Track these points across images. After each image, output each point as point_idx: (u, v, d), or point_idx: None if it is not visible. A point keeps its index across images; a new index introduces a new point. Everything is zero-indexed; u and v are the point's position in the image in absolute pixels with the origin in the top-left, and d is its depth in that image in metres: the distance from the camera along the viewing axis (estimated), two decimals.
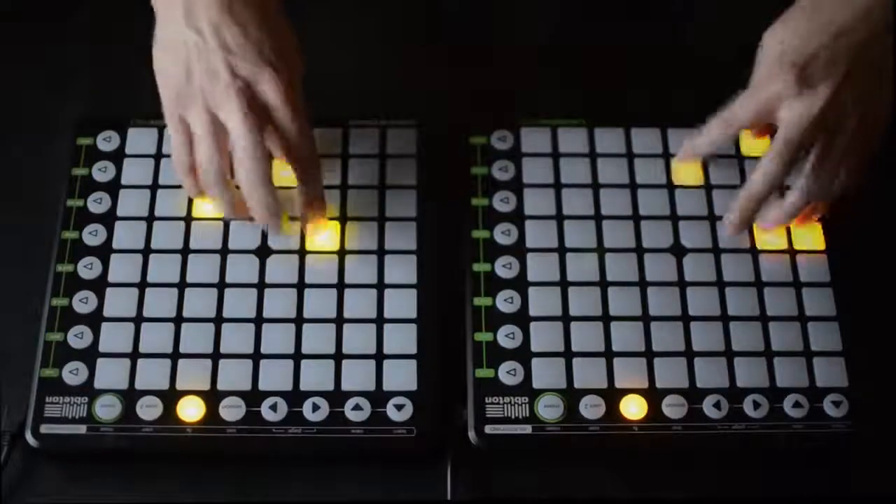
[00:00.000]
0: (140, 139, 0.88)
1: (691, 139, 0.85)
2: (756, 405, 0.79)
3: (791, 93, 0.78)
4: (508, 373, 0.80)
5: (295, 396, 0.79)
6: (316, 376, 0.80)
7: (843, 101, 0.78)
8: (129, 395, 0.79)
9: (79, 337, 0.81)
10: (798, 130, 0.79)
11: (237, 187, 0.79)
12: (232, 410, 0.78)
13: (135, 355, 0.80)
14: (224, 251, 0.84)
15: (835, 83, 0.78)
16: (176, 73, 0.77)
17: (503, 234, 0.85)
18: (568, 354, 0.81)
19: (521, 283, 0.83)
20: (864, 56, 0.79)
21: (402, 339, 0.81)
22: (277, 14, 0.79)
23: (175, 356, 0.80)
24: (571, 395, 0.79)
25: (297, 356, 0.80)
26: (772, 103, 0.79)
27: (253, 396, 0.79)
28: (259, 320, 0.82)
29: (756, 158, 0.86)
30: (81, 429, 0.78)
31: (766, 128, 0.86)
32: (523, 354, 0.81)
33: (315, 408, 0.79)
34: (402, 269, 0.84)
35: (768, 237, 0.85)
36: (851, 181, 0.81)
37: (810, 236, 0.85)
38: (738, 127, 0.82)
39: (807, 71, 0.78)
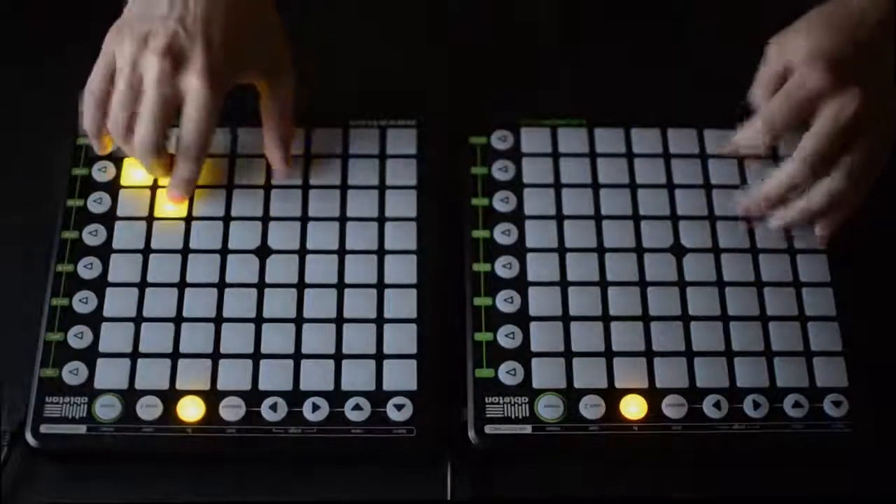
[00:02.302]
0: None
1: (729, 144, 0.84)
2: (756, 405, 0.79)
3: (829, 90, 0.78)
4: (508, 373, 0.80)
5: (295, 396, 0.79)
6: (316, 376, 0.80)
7: (871, 102, 0.78)
8: (129, 395, 0.79)
9: (79, 337, 0.81)
10: (833, 129, 0.78)
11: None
12: (232, 410, 0.78)
13: (135, 355, 0.80)
14: (224, 251, 0.84)
15: (863, 85, 0.78)
16: (131, 22, 0.80)
17: (503, 234, 0.85)
18: (568, 354, 0.81)
19: (521, 283, 0.83)
20: (880, 63, 0.80)
21: (402, 339, 0.81)
22: (259, 19, 0.82)
23: (175, 356, 0.80)
24: (571, 395, 0.79)
25: (297, 356, 0.80)
26: (810, 100, 0.79)
27: (253, 396, 0.79)
28: (259, 320, 0.82)
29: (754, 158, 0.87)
30: (81, 429, 0.78)
31: None
32: (523, 354, 0.81)
33: (315, 408, 0.79)
34: (402, 269, 0.84)
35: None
36: (866, 183, 0.81)
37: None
38: (782, 128, 0.81)
39: (840, 71, 0.78)
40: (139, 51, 0.79)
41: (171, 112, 0.79)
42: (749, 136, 0.82)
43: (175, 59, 0.78)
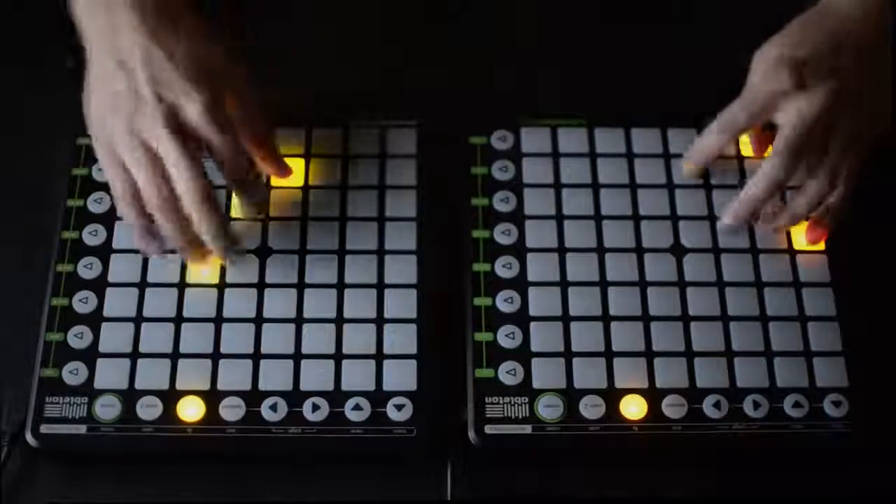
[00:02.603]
0: None
1: (693, 148, 0.85)
2: (756, 405, 0.79)
3: (790, 92, 0.79)
4: (508, 373, 0.80)
5: (295, 396, 0.79)
6: (316, 376, 0.80)
7: (841, 101, 0.78)
8: (129, 395, 0.79)
9: (79, 337, 0.81)
10: (798, 130, 0.79)
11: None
12: (232, 410, 0.78)
13: (135, 355, 0.80)
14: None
15: (833, 83, 0.78)
16: (104, 106, 0.77)
17: (503, 234, 0.85)
18: (568, 354, 0.81)
19: (521, 283, 0.83)
20: (862, 59, 0.80)
21: (402, 339, 0.81)
22: (206, 37, 0.79)
23: (175, 356, 0.80)
24: (571, 395, 0.79)
25: (297, 356, 0.80)
26: (771, 103, 0.80)
27: (253, 396, 0.79)
28: (259, 320, 0.82)
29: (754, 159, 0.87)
30: (81, 429, 0.78)
31: (767, 138, 0.87)
32: (523, 354, 0.81)
33: (315, 408, 0.79)
34: (402, 269, 0.84)
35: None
36: (849, 183, 0.81)
37: None
38: (740, 129, 0.82)
39: (806, 70, 0.78)
40: (133, 123, 0.76)
41: (193, 149, 0.77)
42: (706, 138, 0.83)
43: (169, 107, 0.76)
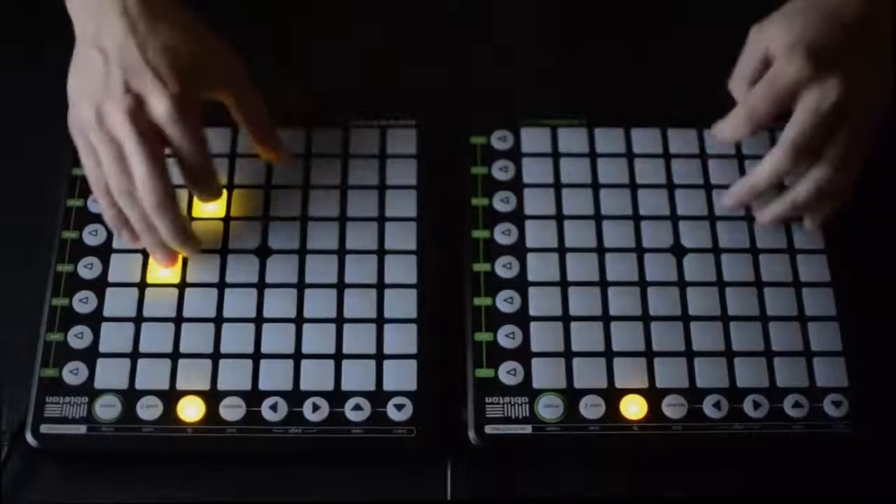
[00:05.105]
0: None
1: (713, 138, 0.84)
2: (756, 405, 0.79)
3: (808, 81, 0.78)
4: (508, 373, 0.80)
5: (295, 396, 0.79)
6: (316, 376, 0.80)
7: (852, 87, 0.78)
8: (129, 395, 0.79)
9: (79, 337, 0.81)
10: (811, 122, 0.78)
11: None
12: (232, 410, 0.78)
13: (135, 355, 0.80)
14: (224, 251, 0.84)
15: (845, 72, 0.78)
16: (80, 95, 0.78)
17: (503, 234, 0.85)
18: (568, 354, 0.81)
19: (521, 283, 0.83)
20: (867, 47, 0.79)
21: (402, 339, 0.81)
22: (193, 33, 0.79)
23: (175, 356, 0.80)
24: (571, 395, 0.79)
25: (297, 356, 0.80)
26: (790, 91, 0.79)
27: (253, 396, 0.79)
28: (259, 320, 0.82)
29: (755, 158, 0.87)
30: (81, 429, 0.78)
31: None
32: (523, 354, 0.81)
33: (315, 408, 0.79)
34: (402, 269, 0.84)
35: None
36: (853, 172, 0.81)
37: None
38: (762, 119, 0.80)
39: (821, 59, 0.78)
40: (100, 110, 0.77)
41: (156, 147, 0.77)
42: (730, 126, 0.82)
43: (135, 98, 0.77)
